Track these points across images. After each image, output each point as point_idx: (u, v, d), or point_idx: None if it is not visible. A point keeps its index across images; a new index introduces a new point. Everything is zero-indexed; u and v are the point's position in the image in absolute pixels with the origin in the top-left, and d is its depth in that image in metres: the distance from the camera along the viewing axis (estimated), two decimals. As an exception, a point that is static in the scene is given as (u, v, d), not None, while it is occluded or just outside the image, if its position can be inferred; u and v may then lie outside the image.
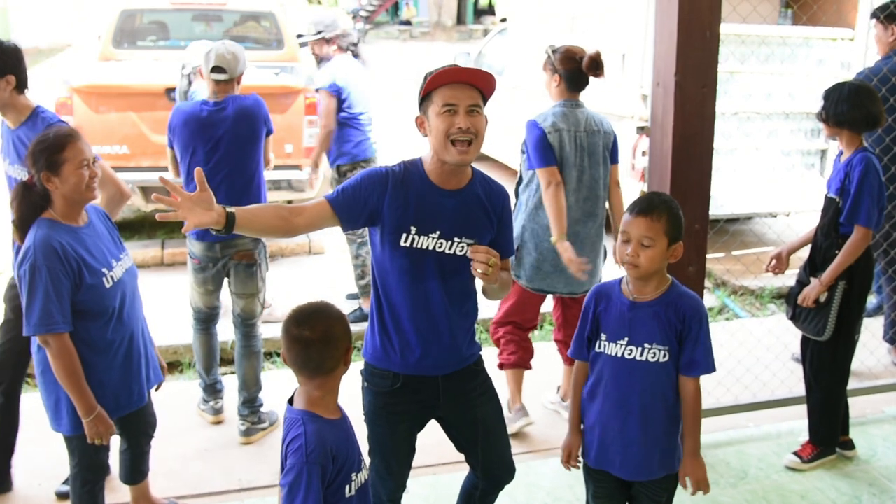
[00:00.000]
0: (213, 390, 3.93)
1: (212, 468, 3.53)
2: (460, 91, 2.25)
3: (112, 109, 5.93)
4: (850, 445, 3.63)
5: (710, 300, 5.64)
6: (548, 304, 3.92)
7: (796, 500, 3.31)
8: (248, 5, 7.69)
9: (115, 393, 2.71)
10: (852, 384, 3.69)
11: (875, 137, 4.26)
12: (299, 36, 7.66)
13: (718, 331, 4.80)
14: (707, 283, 5.65)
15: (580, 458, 2.53)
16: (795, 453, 3.55)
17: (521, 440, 3.70)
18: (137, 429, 2.96)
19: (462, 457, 2.61)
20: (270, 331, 4.34)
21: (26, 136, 3.01)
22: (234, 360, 3.86)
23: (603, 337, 2.41)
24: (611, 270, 3.59)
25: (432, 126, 2.28)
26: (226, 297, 3.86)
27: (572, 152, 3.49)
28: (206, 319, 3.88)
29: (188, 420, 3.89)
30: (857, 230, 3.26)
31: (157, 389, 2.96)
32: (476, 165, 2.45)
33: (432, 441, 2.65)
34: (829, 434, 3.55)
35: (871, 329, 4.45)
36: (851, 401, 3.67)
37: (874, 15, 4.59)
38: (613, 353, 2.38)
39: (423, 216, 2.31)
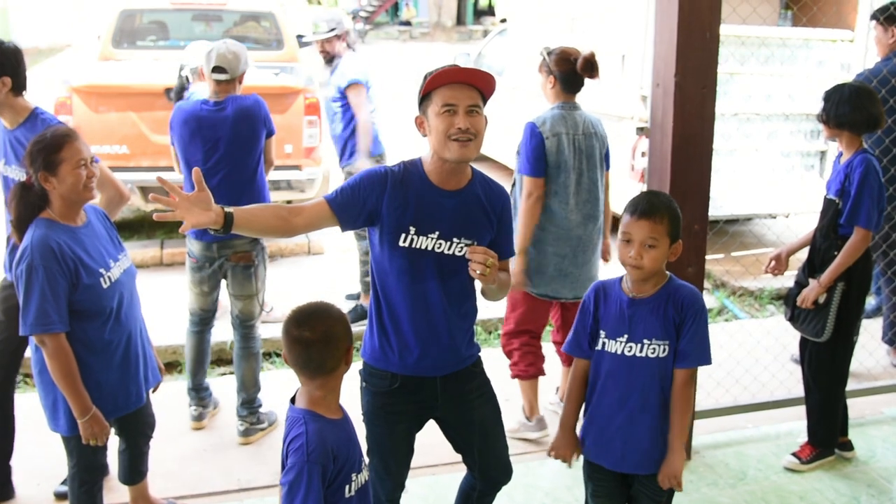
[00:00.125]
0: (196, 395, 3.87)
1: (211, 468, 3.53)
2: (460, 91, 2.25)
3: (111, 109, 5.92)
4: (848, 446, 3.64)
5: (709, 301, 5.64)
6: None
7: (795, 501, 3.31)
8: (247, 5, 7.69)
9: (112, 393, 2.70)
10: (851, 385, 3.69)
11: (874, 139, 4.27)
12: (300, 37, 7.67)
13: (717, 332, 4.80)
14: (706, 284, 5.65)
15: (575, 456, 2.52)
16: (794, 454, 3.55)
17: (520, 441, 3.69)
18: (136, 429, 2.96)
19: (461, 457, 2.61)
20: (270, 331, 4.34)
21: (25, 136, 2.99)
22: (233, 361, 3.86)
23: (602, 334, 2.42)
24: (603, 271, 3.60)
25: (432, 126, 2.28)
26: (225, 297, 3.86)
27: (571, 156, 3.49)
28: (201, 322, 3.85)
29: (187, 420, 3.88)
30: (857, 232, 3.26)
31: (154, 391, 2.96)
32: (475, 166, 2.44)
33: (431, 441, 2.65)
34: (827, 435, 3.55)
35: (870, 330, 4.45)
36: (850, 402, 3.68)
37: (874, 16, 4.59)
38: (613, 351, 2.39)
39: (422, 216, 2.31)
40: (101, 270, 2.64)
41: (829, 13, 6.35)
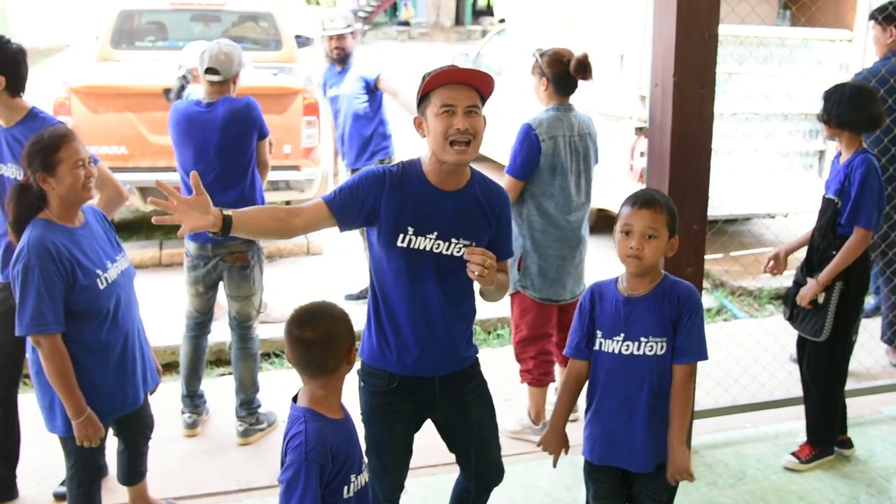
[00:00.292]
0: (191, 403, 3.82)
1: (210, 469, 3.52)
2: (458, 92, 2.25)
3: (110, 110, 5.92)
4: (848, 444, 3.64)
5: (708, 301, 5.64)
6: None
7: (794, 501, 3.31)
8: (246, 6, 7.69)
9: (109, 395, 2.70)
10: (850, 385, 3.69)
11: (873, 138, 4.27)
12: (298, 37, 7.67)
13: (716, 331, 4.80)
14: (705, 284, 5.65)
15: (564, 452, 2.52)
16: (793, 454, 3.55)
17: (519, 441, 3.69)
18: (134, 430, 2.96)
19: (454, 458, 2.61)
20: (268, 331, 4.34)
21: (22, 134, 2.98)
22: (231, 362, 3.85)
23: (599, 334, 2.42)
24: (603, 271, 3.59)
25: (430, 127, 2.28)
26: (223, 299, 3.85)
27: (567, 157, 3.48)
28: (197, 327, 3.82)
29: (186, 421, 3.88)
30: (857, 231, 3.26)
31: (153, 392, 2.96)
32: (474, 166, 2.44)
33: (430, 442, 2.65)
34: (826, 435, 3.55)
35: (869, 330, 4.45)
36: (849, 401, 3.68)
37: (872, 16, 4.59)
38: (610, 350, 2.39)
39: (420, 217, 2.31)
40: (98, 271, 2.64)
41: (827, 13, 6.35)
